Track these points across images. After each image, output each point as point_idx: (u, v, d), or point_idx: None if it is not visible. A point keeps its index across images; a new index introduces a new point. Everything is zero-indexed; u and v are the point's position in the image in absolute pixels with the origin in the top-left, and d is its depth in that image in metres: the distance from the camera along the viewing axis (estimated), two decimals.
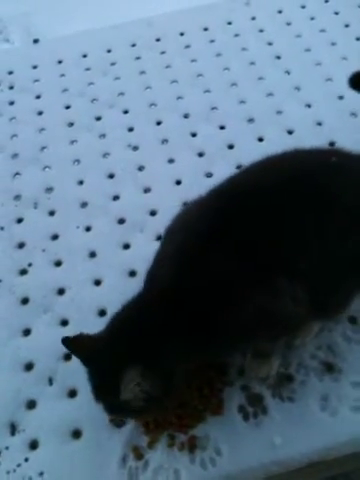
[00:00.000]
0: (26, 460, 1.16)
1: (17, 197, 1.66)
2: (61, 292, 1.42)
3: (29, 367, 1.30)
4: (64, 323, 1.36)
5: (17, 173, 1.73)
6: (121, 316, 1.06)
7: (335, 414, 1.15)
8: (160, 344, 0.99)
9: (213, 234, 1.02)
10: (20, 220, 1.61)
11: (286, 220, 1.02)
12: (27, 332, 1.36)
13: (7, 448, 1.19)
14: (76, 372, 1.25)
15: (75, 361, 1.27)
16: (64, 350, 1.29)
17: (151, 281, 1.09)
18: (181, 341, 0.99)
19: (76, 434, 1.19)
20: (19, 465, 1.16)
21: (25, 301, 1.42)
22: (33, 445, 1.19)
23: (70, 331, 1.32)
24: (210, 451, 1.13)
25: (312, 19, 2.07)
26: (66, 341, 1.06)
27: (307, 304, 1.03)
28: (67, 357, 1.30)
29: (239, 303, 0.99)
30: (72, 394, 1.25)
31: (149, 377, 0.96)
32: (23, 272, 1.48)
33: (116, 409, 1.04)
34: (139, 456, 1.13)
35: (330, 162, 1.13)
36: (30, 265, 1.49)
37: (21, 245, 1.54)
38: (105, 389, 1.02)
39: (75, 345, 1.06)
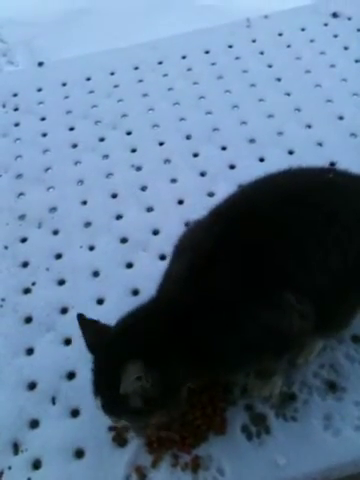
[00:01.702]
0: None
1: (21, 217, 1.68)
2: (64, 311, 1.43)
3: (32, 386, 1.30)
4: (67, 342, 1.36)
5: (21, 193, 1.76)
6: (132, 317, 1.07)
7: (338, 434, 1.15)
8: (164, 350, 1.00)
9: (219, 252, 1.04)
10: (24, 239, 1.62)
11: (288, 237, 1.05)
12: (30, 351, 1.36)
13: (10, 468, 1.18)
14: (79, 391, 1.27)
15: (78, 380, 1.29)
16: (67, 369, 1.31)
17: (161, 291, 1.11)
18: (184, 353, 1.00)
19: (79, 453, 1.19)
20: None
21: (28, 320, 1.43)
22: (36, 465, 1.18)
23: (73, 350, 1.34)
24: (213, 471, 1.12)
25: (312, 41, 2.11)
26: (81, 318, 1.07)
27: (313, 319, 1.04)
28: (70, 376, 1.30)
29: (245, 321, 1.01)
30: (75, 413, 1.25)
31: (150, 376, 0.95)
32: (27, 291, 1.49)
33: (114, 406, 1.02)
34: (142, 476, 1.13)
35: (327, 179, 1.16)
36: (34, 284, 1.50)
37: (25, 264, 1.55)
38: (106, 380, 1.01)
39: (88, 327, 1.07)
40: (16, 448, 1.21)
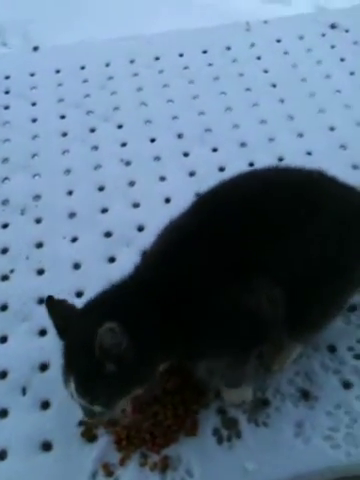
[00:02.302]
0: None
1: (4, 202, 1.66)
2: (41, 301, 1.40)
3: (3, 375, 1.28)
4: (42, 333, 1.35)
5: (6, 178, 1.73)
6: (104, 291, 1.07)
7: (308, 442, 1.15)
8: (136, 321, 0.98)
9: (196, 232, 1.06)
10: (5, 225, 1.60)
11: (269, 224, 1.06)
12: (4, 339, 1.34)
13: None
14: (51, 383, 1.25)
15: (51, 372, 1.27)
16: (40, 360, 1.29)
17: (136, 269, 1.12)
18: (155, 326, 1.00)
19: (46, 446, 1.17)
20: None
21: (4, 308, 1.40)
22: (1, 455, 1.16)
23: (48, 341, 1.32)
24: (181, 472, 1.12)
25: (309, 51, 2.12)
26: (49, 300, 1.06)
27: (283, 307, 1.05)
28: (43, 367, 1.29)
29: (215, 300, 1.01)
30: (45, 406, 1.23)
31: (124, 335, 0.93)
32: (4, 278, 1.47)
33: (88, 381, 0.98)
34: (109, 473, 1.12)
35: (313, 177, 1.18)
36: (12, 271, 1.47)
37: (4, 250, 1.53)
38: (79, 352, 0.98)
39: (55, 307, 1.05)
40: None
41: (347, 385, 1.23)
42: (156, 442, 1.15)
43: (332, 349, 1.29)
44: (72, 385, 0.98)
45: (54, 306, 1.06)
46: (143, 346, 0.98)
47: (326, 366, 1.26)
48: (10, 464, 1.15)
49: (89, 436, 1.17)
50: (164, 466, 1.12)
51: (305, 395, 1.22)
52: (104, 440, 1.16)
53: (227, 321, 1.03)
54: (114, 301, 1.04)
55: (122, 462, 1.13)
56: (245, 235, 1.04)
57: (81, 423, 1.18)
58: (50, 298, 1.06)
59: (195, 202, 1.16)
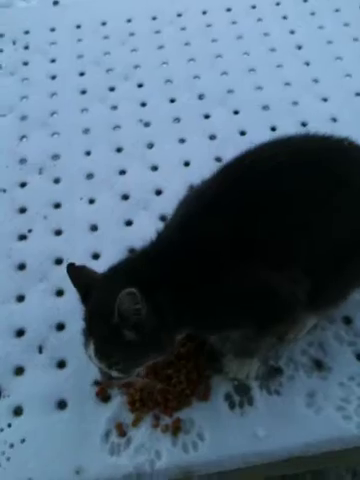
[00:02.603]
0: (9, 426, 1.16)
1: (22, 161, 1.64)
2: (58, 262, 1.41)
3: (20, 333, 1.30)
4: (59, 293, 1.35)
5: (24, 136, 1.71)
6: (122, 261, 1.07)
7: (320, 412, 1.16)
8: (156, 289, 0.98)
9: (220, 203, 1.03)
10: (23, 184, 1.59)
11: (293, 198, 1.03)
12: (21, 298, 1.35)
13: None
14: (67, 343, 1.26)
15: (67, 332, 1.29)
16: (57, 320, 1.30)
17: (157, 238, 1.09)
18: (175, 296, 0.99)
19: (61, 405, 1.19)
20: (1, 430, 1.16)
21: (22, 267, 1.41)
22: (17, 411, 1.19)
23: (65, 302, 1.33)
24: (193, 435, 1.13)
25: (337, 11, 2.04)
26: (70, 267, 1.06)
27: (305, 289, 1.04)
28: (59, 327, 1.30)
29: (234, 276, 1.00)
30: (61, 365, 1.24)
31: (143, 302, 0.94)
32: (22, 237, 1.47)
33: (107, 345, 0.99)
34: (122, 433, 1.14)
35: (342, 146, 1.14)
36: (30, 231, 1.47)
37: (22, 210, 1.52)
38: (100, 317, 0.99)
39: (77, 273, 1.05)
40: None
41: None
42: (169, 405, 1.16)
43: (347, 321, 1.28)
44: (91, 349, 0.99)
45: (75, 272, 1.05)
46: (163, 315, 0.98)
47: (341, 338, 1.26)
48: (25, 420, 1.17)
49: (103, 396, 1.19)
50: (176, 429, 1.14)
51: (318, 365, 1.22)
52: (118, 401, 1.18)
53: (246, 297, 1.02)
54: (135, 268, 1.03)
55: (135, 423, 1.15)
56: (269, 210, 1.02)
57: (96, 383, 1.20)
58: (71, 265, 1.06)
59: (220, 170, 1.13)
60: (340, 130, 1.63)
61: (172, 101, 1.77)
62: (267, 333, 1.17)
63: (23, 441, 1.14)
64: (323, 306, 1.20)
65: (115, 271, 1.05)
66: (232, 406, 1.17)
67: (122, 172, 1.60)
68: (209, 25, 2.00)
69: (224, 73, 1.84)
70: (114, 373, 1.01)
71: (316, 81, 1.81)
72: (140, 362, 1.03)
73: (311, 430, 1.13)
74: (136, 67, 1.87)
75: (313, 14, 2.03)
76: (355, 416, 1.14)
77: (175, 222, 1.10)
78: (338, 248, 1.06)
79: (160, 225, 1.42)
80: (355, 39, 1.94)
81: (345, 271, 1.09)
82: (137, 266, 1.03)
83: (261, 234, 1.01)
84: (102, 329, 0.98)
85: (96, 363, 1.00)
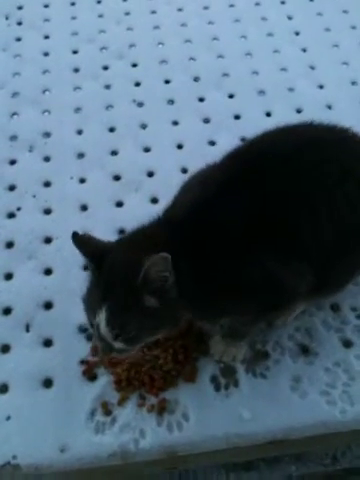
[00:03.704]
0: None
1: (13, 138, 1.62)
2: (48, 241, 1.40)
3: (7, 311, 1.29)
4: (47, 272, 1.34)
5: (15, 113, 1.69)
6: (136, 232, 1.04)
7: (304, 396, 1.16)
8: (177, 259, 0.94)
9: (232, 189, 1.01)
10: (13, 162, 1.57)
11: (301, 188, 1.02)
12: (9, 276, 1.34)
13: None
14: (54, 322, 1.26)
15: (55, 311, 1.28)
16: (44, 298, 1.29)
17: (167, 215, 1.07)
18: (186, 278, 0.97)
19: (47, 383, 1.19)
20: None
21: (10, 245, 1.40)
22: (2, 389, 1.18)
23: (53, 281, 1.33)
24: (178, 416, 1.14)
25: None
26: (76, 236, 1.02)
27: (310, 279, 1.04)
28: (47, 306, 1.29)
29: (245, 261, 0.99)
30: (47, 343, 1.24)
31: (172, 269, 0.92)
32: (11, 215, 1.45)
33: (124, 311, 0.95)
34: (107, 412, 1.14)
35: (347, 135, 1.14)
36: (19, 209, 1.46)
37: (12, 188, 1.51)
38: (117, 285, 0.96)
39: (85, 241, 1.02)
40: None
41: (348, 344, 1.23)
42: (155, 385, 1.17)
43: (335, 308, 1.29)
44: (102, 316, 0.95)
45: (82, 240, 1.02)
46: (181, 288, 0.97)
47: (328, 324, 1.26)
48: (11, 398, 1.17)
49: (89, 375, 1.19)
50: (161, 409, 1.14)
51: (305, 351, 1.22)
52: (104, 380, 1.18)
53: (253, 286, 1.01)
54: (155, 240, 0.99)
55: (120, 402, 1.15)
56: (277, 197, 1.01)
57: (82, 362, 1.20)
58: (76, 234, 1.02)
59: (227, 155, 1.11)
60: (335, 118, 1.62)
61: (167, 82, 1.75)
62: (262, 319, 1.18)
63: (8, 418, 1.14)
64: (322, 295, 1.21)
65: (132, 239, 1.03)
66: (218, 388, 1.17)
67: (114, 152, 1.58)
68: (206, 7, 1.98)
69: (220, 56, 1.83)
70: (118, 344, 0.98)
71: (312, 68, 1.81)
72: (152, 333, 1.01)
73: (295, 414, 1.14)
74: (131, 46, 1.84)
75: (312, 0, 2.02)
76: (339, 401, 1.15)
77: (185, 203, 1.06)
78: (342, 239, 1.05)
79: (151, 207, 1.44)
80: (353, 27, 1.93)
81: (348, 262, 1.10)
82: (155, 238, 1.00)
83: (270, 223, 1.00)
84: (120, 294, 0.95)
85: (104, 332, 0.96)
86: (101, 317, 0.96)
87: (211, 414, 1.14)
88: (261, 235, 0.99)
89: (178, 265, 0.95)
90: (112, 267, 0.97)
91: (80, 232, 1.03)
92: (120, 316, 0.96)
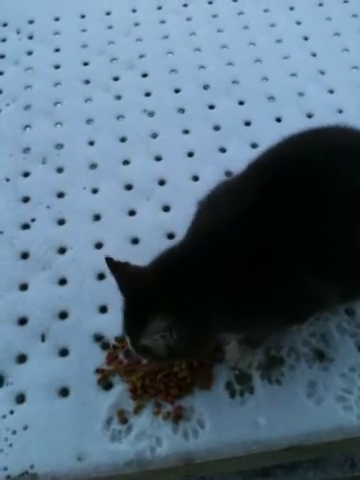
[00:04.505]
0: (12, 413, 1.17)
1: (26, 150, 1.64)
2: (62, 251, 1.41)
3: (23, 322, 1.30)
4: (62, 282, 1.35)
5: (28, 125, 1.71)
6: (167, 259, 1.01)
7: (320, 402, 1.16)
8: (199, 299, 0.95)
9: (264, 205, 0.97)
10: (27, 174, 1.59)
11: (334, 201, 0.98)
12: (24, 287, 1.35)
13: None
14: (70, 331, 1.27)
15: (70, 320, 1.29)
16: (60, 308, 1.31)
17: (198, 236, 1.04)
18: (219, 304, 0.96)
19: (63, 392, 1.20)
20: (4, 417, 1.16)
21: (25, 256, 1.41)
22: (20, 399, 1.19)
23: (67, 290, 1.34)
24: (194, 423, 1.14)
25: (345, 2, 2.03)
26: (111, 262, 1.01)
27: (339, 293, 1.02)
28: (62, 316, 1.30)
29: (284, 281, 0.97)
30: (63, 353, 1.25)
31: (177, 329, 0.92)
32: (25, 227, 1.47)
33: (139, 348, 1.00)
34: (124, 420, 1.15)
35: None
36: (33, 220, 1.47)
37: (26, 199, 1.52)
38: (133, 326, 0.99)
39: (119, 269, 1.00)
40: (1, 380, 1.22)
41: None
42: (170, 393, 1.17)
43: (350, 312, 1.28)
44: (128, 340, 1.01)
45: (117, 267, 1.01)
46: (200, 329, 0.98)
47: (343, 329, 1.25)
48: (28, 408, 1.18)
49: (105, 384, 1.19)
50: (177, 416, 1.15)
51: (320, 356, 1.22)
52: (119, 388, 1.18)
53: (290, 302, 0.98)
54: (177, 275, 0.97)
55: (136, 410, 1.16)
56: (312, 212, 0.96)
57: (98, 371, 1.21)
58: (110, 260, 1.01)
59: (251, 166, 1.06)
60: (346, 122, 1.64)
61: (177, 91, 1.76)
62: (285, 328, 1.17)
63: (25, 428, 1.15)
64: (346, 302, 1.21)
65: (157, 275, 0.99)
66: (233, 394, 1.17)
67: (126, 162, 1.60)
68: (215, 15, 1.99)
69: (229, 64, 1.84)
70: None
71: (322, 72, 1.80)
72: (171, 363, 1.07)
73: (311, 420, 1.13)
74: (141, 57, 1.86)
75: (321, 5, 2.02)
76: (356, 407, 1.14)
77: (218, 222, 1.00)
78: None
79: (163, 215, 1.44)
80: None
81: None
82: (179, 272, 0.97)
83: (304, 237, 0.96)
84: (134, 338, 0.99)
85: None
86: (128, 340, 1.02)
87: (227, 421, 1.14)
88: (296, 248, 0.96)
89: (209, 295, 0.95)
90: (130, 309, 0.99)
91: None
92: (138, 350, 1.01)
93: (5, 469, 1.10)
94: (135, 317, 0.98)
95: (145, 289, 0.97)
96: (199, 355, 1.06)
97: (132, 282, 0.99)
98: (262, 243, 0.95)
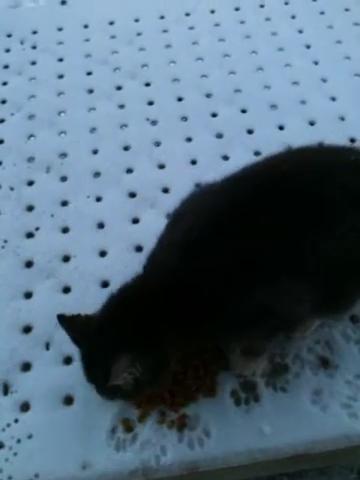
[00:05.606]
0: (16, 421, 1.17)
1: (30, 159, 1.65)
2: (66, 259, 1.42)
3: (27, 330, 1.30)
4: (66, 290, 1.36)
5: (32, 135, 1.72)
6: (119, 298, 1.04)
7: (325, 409, 1.16)
8: (157, 331, 0.99)
9: (222, 224, 0.98)
10: (31, 182, 1.59)
11: (299, 216, 0.98)
12: (29, 295, 1.36)
13: None
14: None
15: None
16: None
17: (153, 265, 1.07)
18: (179, 329, 0.99)
19: (68, 401, 1.20)
20: (9, 425, 1.17)
21: (29, 264, 1.42)
22: (24, 407, 1.19)
23: (71, 298, 1.34)
24: (199, 432, 1.14)
25: (346, 10, 2.03)
26: (62, 318, 1.07)
27: (310, 304, 1.02)
28: None
29: (242, 298, 0.97)
30: (68, 361, 1.25)
31: (140, 364, 0.96)
32: (29, 235, 1.47)
33: (107, 393, 1.04)
34: (128, 429, 1.14)
35: (351, 161, 1.10)
36: (37, 229, 1.48)
37: (30, 208, 1.53)
38: (96, 372, 1.02)
39: (70, 324, 1.06)
40: (6, 388, 1.22)
41: None
42: (175, 401, 1.17)
43: (355, 319, 1.28)
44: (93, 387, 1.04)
45: (67, 322, 1.07)
46: (162, 359, 1.01)
47: (347, 336, 1.25)
48: (32, 416, 1.18)
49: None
50: (181, 425, 1.14)
51: (325, 363, 1.22)
52: None
53: (255, 322, 1.00)
54: (133, 311, 1.00)
55: (141, 419, 1.15)
56: (272, 229, 0.97)
57: None
58: (62, 316, 1.07)
59: (223, 180, 1.08)
60: (348, 129, 1.66)
61: (179, 100, 1.77)
62: (274, 338, 1.16)
63: (30, 437, 1.15)
64: (331, 315, 1.21)
65: (111, 317, 1.03)
66: (238, 403, 1.17)
67: (129, 170, 1.61)
68: (217, 24, 2.00)
69: (232, 72, 1.85)
70: None
71: (324, 80, 1.81)
72: (139, 395, 1.10)
73: (317, 427, 1.13)
74: (143, 66, 1.87)
75: (322, 13, 2.04)
76: None
77: (174, 245, 1.03)
78: (346, 265, 1.02)
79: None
80: None
81: (353, 286, 1.08)
82: (135, 308, 1.00)
83: (268, 257, 0.96)
84: (100, 383, 1.02)
85: None
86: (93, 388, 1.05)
87: (232, 429, 1.14)
88: (255, 270, 0.96)
89: (161, 323, 0.98)
90: (89, 356, 1.04)
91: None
92: (104, 394, 1.05)
93: (10, 478, 1.10)
94: (96, 364, 1.01)
95: (99, 336, 1.02)
96: (165, 380, 1.08)
97: (84, 333, 1.03)
98: (217, 264, 0.97)
